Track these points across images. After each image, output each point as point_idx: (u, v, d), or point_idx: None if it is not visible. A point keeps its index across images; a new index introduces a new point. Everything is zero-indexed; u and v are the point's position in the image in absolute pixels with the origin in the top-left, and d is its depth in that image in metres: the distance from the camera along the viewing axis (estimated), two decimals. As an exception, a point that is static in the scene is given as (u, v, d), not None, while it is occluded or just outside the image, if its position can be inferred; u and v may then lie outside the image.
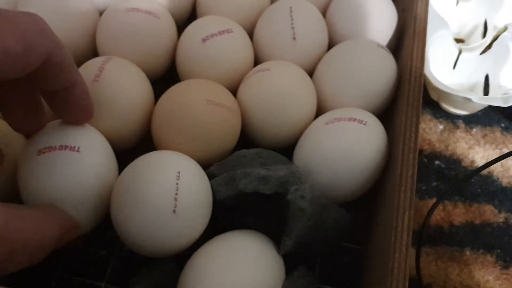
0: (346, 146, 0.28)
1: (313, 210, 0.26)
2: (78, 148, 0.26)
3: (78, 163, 0.25)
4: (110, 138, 0.28)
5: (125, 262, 0.29)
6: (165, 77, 0.35)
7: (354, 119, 0.28)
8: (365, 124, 0.28)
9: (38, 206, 0.25)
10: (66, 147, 0.25)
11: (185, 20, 0.38)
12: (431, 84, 0.35)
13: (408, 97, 0.30)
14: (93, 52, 0.34)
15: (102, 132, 0.28)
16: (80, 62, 0.32)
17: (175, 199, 0.25)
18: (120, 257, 0.29)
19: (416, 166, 0.27)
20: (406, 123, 0.29)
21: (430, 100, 0.39)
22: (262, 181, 0.27)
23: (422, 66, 0.31)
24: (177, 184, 0.25)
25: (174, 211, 0.25)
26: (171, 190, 0.25)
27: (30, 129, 0.26)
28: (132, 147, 0.32)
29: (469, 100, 0.34)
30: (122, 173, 0.27)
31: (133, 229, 0.25)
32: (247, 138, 0.32)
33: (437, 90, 0.35)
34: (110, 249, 0.30)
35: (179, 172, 0.25)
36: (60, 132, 0.26)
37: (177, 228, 0.25)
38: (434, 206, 0.32)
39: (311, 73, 0.33)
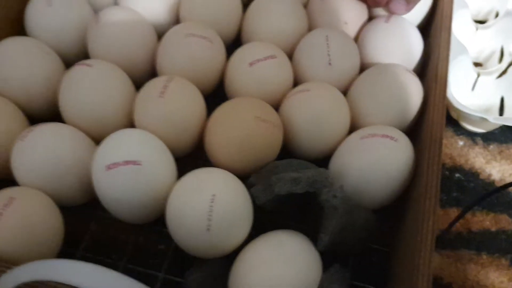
0: (379, 159, 0.32)
1: (344, 209, 0.30)
2: (140, 161, 0.30)
3: (140, 176, 0.30)
4: (172, 146, 0.33)
5: (181, 255, 0.32)
6: (214, 92, 0.39)
7: (387, 136, 0.32)
8: (396, 141, 0.32)
9: None
10: (129, 162, 0.29)
11: (231, 42, 0.42)
12: (451, 105, 0.39)
13: (433, 117, 0.34)
14: (152, 70, 0.39)
15: (165, 141, 0.32)
16: (142, 79, 0.37)
17: (209, 219, 0.28)
18: (176, 251, 0.33)
19: (440, 177, 0.30)
20: (431, 139, 0.32)
21: (452, 119, 0.43)
22: (294, 182, 0.30)
23: (445, 89, 0.35)
24: (211, 206, 0.28)
25: (208, 229, 0.28)
26: (205, 211, 0.28)
27: None
28: (188, 153, 0.36)
29: (486, 119, 0.38)
30: (173, 188, 0.31)
31: (177, 239, 0.30)
32: (287, 149, 0.36)
33: (457, 110, 0.39)
34: (167, 243, 0.33)
35: (213, 195, 0.29)
36: (125, 147, 0.30)
37: (212, 244, 0.29)
38: (463, 213, 0.36)
39: (344, 92, 0.37)
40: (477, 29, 0.46)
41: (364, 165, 0.32)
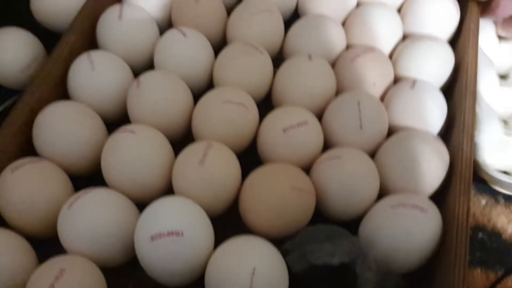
0: (409, 229, 0.33)
1: (377, 279, 0.32)
2: (182, 232, 0.31)
3: (182, 245, 0.31)
4: (208, 209, 0.34)
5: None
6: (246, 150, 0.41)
7: (417, 206, 0.33)
8: (425, 212, 0.33)
9: None
10: (173, 233, 0.31)
11: (261, 101, 0.43)
12: (482, 169, 0.40)
13: (460, 184, 0.35)
14: (188, 131, 0.41)
15: (202, 206, 0.34)
16: (178, 139, 0.39)
17: None
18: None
19: (468, 247, 0.32)
20: (459, 209, 0.34)
21: (474, 175, 0.44)
22: (329, 254, 0.32)
23: (472, 156, 0.37)
24: (251, 279, 0.30)
25: None
26: (246, 285, 0.30)
27: None
28: (223, 214, 0.38)
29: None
30: (213, 256, 0.32)
31: None
32: (316, 211, 0.37)
33: (488, 175, 0.40)
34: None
35: (254, 268, 0.30)
36: (168, 217, 0.32)
37: None
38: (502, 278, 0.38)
39: (372, 155, 0.39)
40: (500, 85, 0.47)
41: (394, 235, 0.33)
